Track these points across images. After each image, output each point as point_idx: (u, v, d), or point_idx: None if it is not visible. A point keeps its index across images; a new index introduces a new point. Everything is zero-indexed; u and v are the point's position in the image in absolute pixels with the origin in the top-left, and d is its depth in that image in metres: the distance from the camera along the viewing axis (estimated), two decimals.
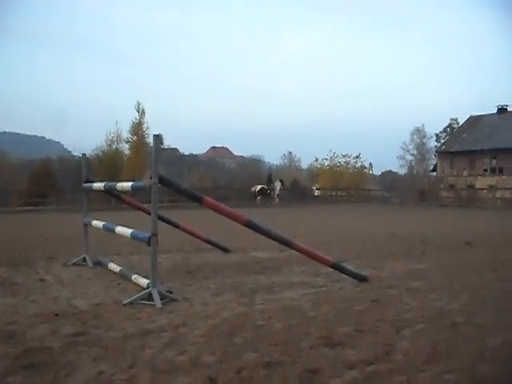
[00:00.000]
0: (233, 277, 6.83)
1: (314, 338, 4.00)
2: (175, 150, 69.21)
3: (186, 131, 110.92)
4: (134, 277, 6.05)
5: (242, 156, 78.57)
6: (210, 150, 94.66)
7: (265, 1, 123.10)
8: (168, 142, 65.47)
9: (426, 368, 3.38)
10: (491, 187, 44.10)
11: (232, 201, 31.82)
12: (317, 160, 56.35)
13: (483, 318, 4.65)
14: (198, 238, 9.32)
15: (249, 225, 6.07)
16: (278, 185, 37.61)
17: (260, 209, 27.66)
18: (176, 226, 8.95)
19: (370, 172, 59.23)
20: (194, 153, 76.93)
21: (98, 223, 7.43)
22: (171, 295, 5.40)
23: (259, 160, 74.56)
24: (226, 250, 9.28)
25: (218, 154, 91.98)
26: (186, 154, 72.56)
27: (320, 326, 4.35)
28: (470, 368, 3.38)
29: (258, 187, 36.57)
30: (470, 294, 5.71)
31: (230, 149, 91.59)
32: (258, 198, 35.94)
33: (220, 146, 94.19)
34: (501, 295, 5.66)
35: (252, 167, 63.79)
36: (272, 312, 4.88)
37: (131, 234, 6.13)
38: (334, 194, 48.94)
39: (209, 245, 9.27)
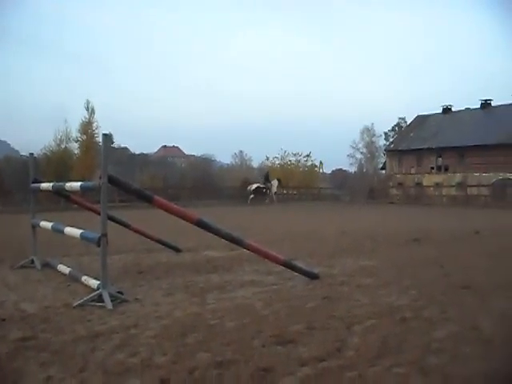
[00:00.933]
0: (184, 276, 6.80)
1: (266, 337, 4.02)
2: (125, 149, 68.41)
3: (137, 130, 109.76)
4: (84, 278, 5.95)
5: (194, 155, 78.22)
6: (160, 149, 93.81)
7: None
8: (118, 141, 64.75)
9: (376, 362, 3.45)
10: (437, 185, 45.24)
11: (183, 200, 31.65)
12: (268, 159, 56.58)
13: (430, 312, 4.78)
14: (149, 238, 9.24)
15: (199, 224, 6.05)
16: (274, 184, 37.21)
17: (214, 208, 27.57)
18: (126, 226, 8.84)
19: (321, 170, 59.75)
20: (145, 152, 76.08)
21: (46, 224, 7.26)
22: (122, 296, 5.34)
23: (210, 159, 74.40)
24: (177, 250, 9.23)
25: (169, 153, 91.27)
26: (137, 153, 71.71)
27: (272, 325, 4.37)
28: (418, 361, 3.47)
29: (254, 186, 36.39)
30: (418, 289, 5.84)
31: (181, 148, 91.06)
32: (251, 196, 35.64)
33: (171, 145, 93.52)
34: (446, 290, 5.80)
35: (203, 166, 63.58)
36: (224, 311, 4.88)
37: (81, 234, 6.02)
38: (284, 192, 49.23)
39: (160, 245, 9.19)
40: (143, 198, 5.99)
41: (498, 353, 3.67)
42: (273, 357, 3.57)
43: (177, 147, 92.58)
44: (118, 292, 5.39)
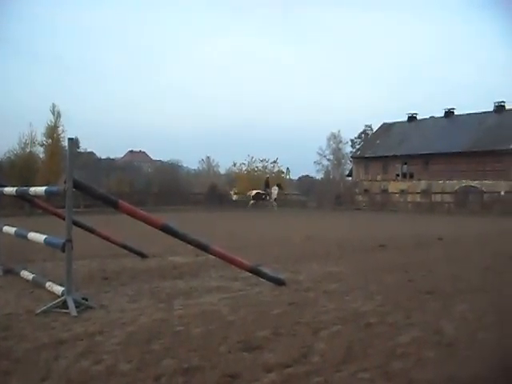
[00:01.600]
0: (150, 282, 6.74)
1: (232, 343, 4.01)
2: (92, 153, 67.59)
3: (103, 135, 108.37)
4: (48, 284, 5.85)
5: (160, 160, 77.77)
6: (127, 154, 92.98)
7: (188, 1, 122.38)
8: (84, 146, 63.99)
9: (342, 368, 3.47)
10: (403, 191, 45.90)
11: (150, 205, 31.44)
12: (235, 165, 56.62)
13: (395, 318, 4.83)
14: (114, 243, 9.14)
15: (164, 229, 6.02)
16: (275, 189, 37.43)
17: (181, 213, 27.43)
18: (92, 231, 8.74)
19: (288, 177, 60.04)
20: (112, 157, 75.35)
21: (9, 229, 7.12)
22: (87, 302, 5.27)
23: (177, 164, 74.12)
24: (143, 256, 9.15)
25: (136, 158, 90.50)
26: (103, 157, 70.98)
27: (239, 330, 4.37)
28: (383, 366, 3.51)
29: (254, 192, 37.10)
30: (384, 294, 5.91)
31: (147, 153, 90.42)
32: (252, 202, 36.40)
33: (138, 150, 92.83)
34: (411, 295, 5.88)
35: (170, 172, 63.33)
36: (190, 317, 4.85)
37: (45, 240, 5.93)
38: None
39: (125, 250, 9.11)
40: (108, 202, 5.94)
41: (459, 356, 3.73)
42: (239, 363, 3.56)
43: (143, 152, 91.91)
44: (83, 298, 5.31)
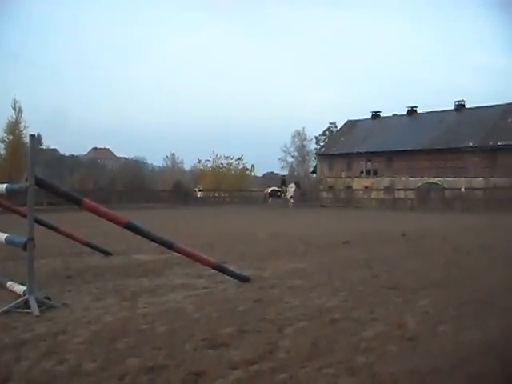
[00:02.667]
0: (114, 280, 6.68)
1: (197, 340, 4.00)
2: (55, 150, 66.56)
3: (67, 131, 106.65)
4: (9, 284, 5.74)
5: (125, 157, 77.08)
6: (91, 151, 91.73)
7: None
8: (47, 143, 62.89)
9: (307, 364, 3.50)
10: (367, 188, 46.36)
11: (114, 203, 31.11)
12: (200, 162, 56.55)
13: (359, 313, 4.89)
14: (78, 241, 9.03)
15: (129, 227, 5.97)
16: (291, 187, 37.77)
17: (146, 211, 27.20)
18: (54, 228, 8.60)
19: (253, 173, 60.23)
20: (75, 154, 74.22)
21: None
22: (50, 302, 5.19)
23: (142, 162, 73.56)
24: (107, 253, 9.06)
25: (100, 155, 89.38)
26: (67, 154, 69.91)
27: (204, 328, 4.36)
28: (347, 361, 3.55)
29: (269, 189, 38.44)
30: (348, 290, 5.97)
31: (111, 150, 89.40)
32: (269, 199, 37.57)
33: (102, 147, 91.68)
34: (374, 290, 5.96)
35: (135, 169, 62.80)
36: (155, 315, 4.83)
37: (6, 238, 5.81)
38: (216, 195, 49.28)
39: (89, 248, 9.00)
40: (72, 200, 5.87)
41: (421, 349, 3.80)
42: (204, 360, 3.56)
43: (108, 149, 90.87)
44: (46, 298, 5.23)
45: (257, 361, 3.55)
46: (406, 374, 3.31)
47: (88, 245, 9.02)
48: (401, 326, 4.45)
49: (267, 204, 37.63)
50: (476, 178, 40.88)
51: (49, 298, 5.25)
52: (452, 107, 49.74)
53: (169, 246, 6.27)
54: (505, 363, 3.57)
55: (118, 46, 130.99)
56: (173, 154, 79.16)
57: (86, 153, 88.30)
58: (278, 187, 38.56)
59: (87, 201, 5.82)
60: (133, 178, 51.73)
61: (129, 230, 6.04)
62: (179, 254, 6.59)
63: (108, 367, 3.42)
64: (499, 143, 41.87)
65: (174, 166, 77.89)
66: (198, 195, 49.07)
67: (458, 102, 49.51)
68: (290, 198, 37.19)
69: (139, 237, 6.28)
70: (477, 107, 47.78)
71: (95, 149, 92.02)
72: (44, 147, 59.31)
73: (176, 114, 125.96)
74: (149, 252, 9.17)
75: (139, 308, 5.18)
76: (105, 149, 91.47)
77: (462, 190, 37.74)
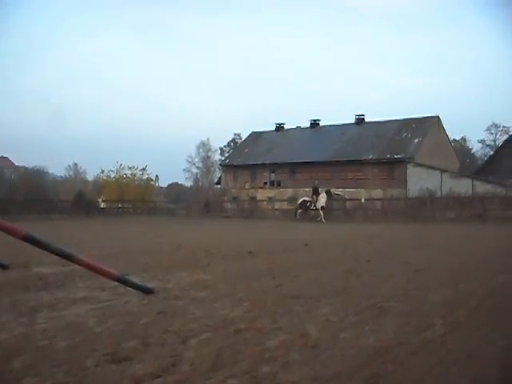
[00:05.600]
0: (12, 295, 6.36)
1: (100, 355, 3.89)
2: None
3: None
4: None
5: (24, 166, 73.88)
6: None
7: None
8: None
9: (211, 375, 3.48)
10: (270, 199, 47.05)
11: (14, 214, 29.76)
12: (103, 172, 55.35)
13: (263, 323, 4.94)
14: None
15: (27, 239, 5.73)
16: (322, 197, 33.03)
17: (48, 222, 26.19)
18: None
19: (157, 184, 59.63)
20: None
21: None
22: None
23: (43, 171, 70.86)
24: (4, 267, 8.63)
25: None
26: None
27: (106, 342, 4.25)
28: (251, 370, 3.57)
29: (300, 200, 33.84)
30: (252, 300, 6.02)
31: (10, 158, 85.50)
32: (299, 211, 32.89)
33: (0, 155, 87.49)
34: (278, 300, 6.04)
35: (35, 179, 60.43)
36: (55, 331, 4.64)
37: None
38: (120, 206, 48.37)
39: None
40: None
41: (323, 356, 3.88)
42: (107, 376, 3.46)
43: (6, 157, 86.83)
44: None
45: (161, 374, 3.50)
46: (309, 381, 3.38)
47: None
48: (303, 334, 4.53)
49: (299, 216, 32.43)
50: (375, 189, 42.68)
51: None
52: (353, 121, 51.69)
53: (69, 257, 6.06)
54: (398, 364, 3.72)
55: (15, 49, 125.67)
56: (75, 164, 77.05)
57: None
58: (309, 197, 33.57)
59: None
60: (33, 188, 49.77)
61: (27, 242, 5.80)
62: (81, 267, 6.39)
63: None
64: (395, 156, 43.96)
65: (76, 176, 75.79)
66: (101, 206, 47.99)
67: (359, 115, 51.56)
68: (322, 208, 32.24)
69: (39, 249, 6.03)
70: (376, 121, 50.02)
71: None
72: None
73: (77, 123, 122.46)
74: (50, 265, 8.82)
75: (38, 323, 4.96)
76: (3, 157, 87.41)
77: (362, 200, 39.10)
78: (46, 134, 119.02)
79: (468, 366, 3.71)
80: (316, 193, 33.59)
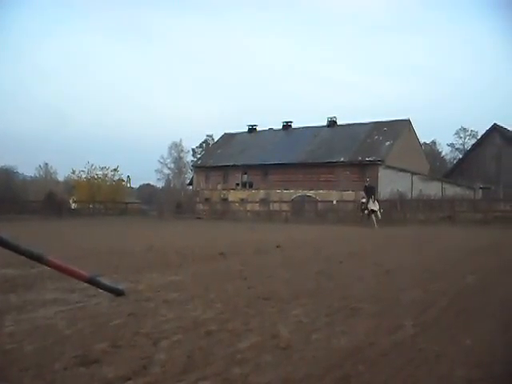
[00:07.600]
0: None
1: (69, 358, 3.83)
2: None
3: None
4: None
5: None
6: None
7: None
8: None
9: (182, 378, 3.46)
10: (242, 200, 47.10)
11: None
12: (74, 172, 54.82)
13: (234, 324, 4.92)
14: None
15: None
16: (376, 199, 27.10)
17: (16, 223, 25.77)
18: None
19: (128, 185, 59.24)
20: None
21: None
22: None
23: (12, 171, 69.86)
24: None
25: None
26: None
27: (75, 345, 4.19)
28: (223, 372, 3.55)
29: (363, 200, 27.15)
30: (224, 302, 6.00)
31: None
32: (361, 215, 27.32)
33: None
34: (249, 301, 6.03)
35: (4, 179, 59.55)
36: (23, 334, 4.56)
37: None
38: (91, 206, 47.95)
39: None
40: None
41: (295, 358, 3.89)
42: (76, 379, 3.41)
43: None
44: None
45: (131, 377, 3.46)
46: (280, 383, 3.38)
47: None
48: (275, 335, 4.53)
49: (364, 221, 26.36)
50: (347, 191, 42.99)
51: None
52: (325, 123, 52.06)
53: (38, 259, 5.97)
54: (369, 365, 3.74)
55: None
56: (46, 164, 76.10)
57: None
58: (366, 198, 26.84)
59: None
60: (2, 189, 49.04)
61: None
62: (50, 268, 6.30)
63: None
64: (367, 159, 44.36)
65: (46, 176, 74.86)
66: (72, 206, 47.50)
67: (331, 118, 51.95)
68: (372, 212, 26.03)
69: (6, 250, 5.93)
70: (347, 124, 50.44)
71: None
72: None
73: (48, 122, 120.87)
74: (18, 266, 8.67)
75: (5, 326, 4.86)
76: None
77: (334, 202, 39.40)
78: (14, 134, 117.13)
79: (436, 366, 3.76)
80: (372, 192, 27.09)
